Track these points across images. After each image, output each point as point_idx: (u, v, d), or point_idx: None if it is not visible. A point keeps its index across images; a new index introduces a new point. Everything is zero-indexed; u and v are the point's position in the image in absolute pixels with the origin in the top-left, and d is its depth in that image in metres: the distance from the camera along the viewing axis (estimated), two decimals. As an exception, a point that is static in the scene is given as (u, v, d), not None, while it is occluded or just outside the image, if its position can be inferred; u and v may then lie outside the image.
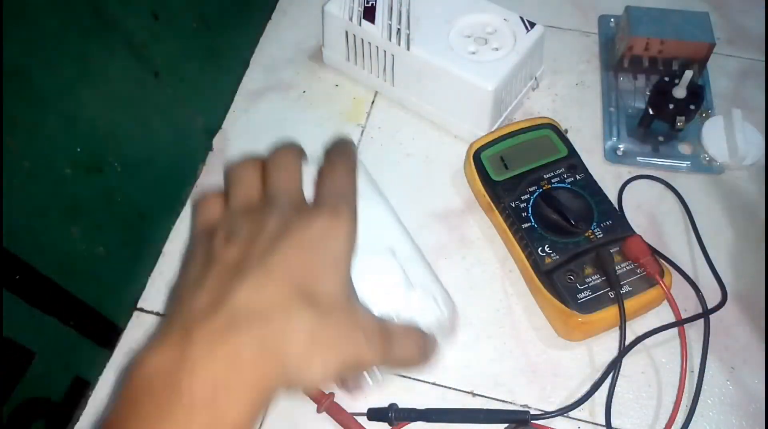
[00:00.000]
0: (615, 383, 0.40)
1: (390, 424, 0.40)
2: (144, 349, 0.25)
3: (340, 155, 0.34)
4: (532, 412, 0.40)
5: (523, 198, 0.45)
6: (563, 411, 0.40)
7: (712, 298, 0.43)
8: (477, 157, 0.47)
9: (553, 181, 0.46)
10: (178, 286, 0.30)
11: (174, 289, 0.40)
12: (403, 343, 0.30)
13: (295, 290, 0.27)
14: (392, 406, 0.40)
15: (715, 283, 0.44)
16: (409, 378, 0.42)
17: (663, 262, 0.43)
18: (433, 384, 0.42)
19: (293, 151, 0.34)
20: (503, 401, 0.42)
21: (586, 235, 0.43)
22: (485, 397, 0.42)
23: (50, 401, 0.40)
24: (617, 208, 0.47)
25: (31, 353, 0.37)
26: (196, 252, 0.30)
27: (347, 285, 0.29)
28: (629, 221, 0.45)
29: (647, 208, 0.49)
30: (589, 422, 0.41)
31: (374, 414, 0.40)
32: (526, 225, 0.44)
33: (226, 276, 0.27)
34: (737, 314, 0.44)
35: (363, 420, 0.40)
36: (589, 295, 0.41)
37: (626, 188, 0.49)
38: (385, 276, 0.39)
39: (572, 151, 0.47)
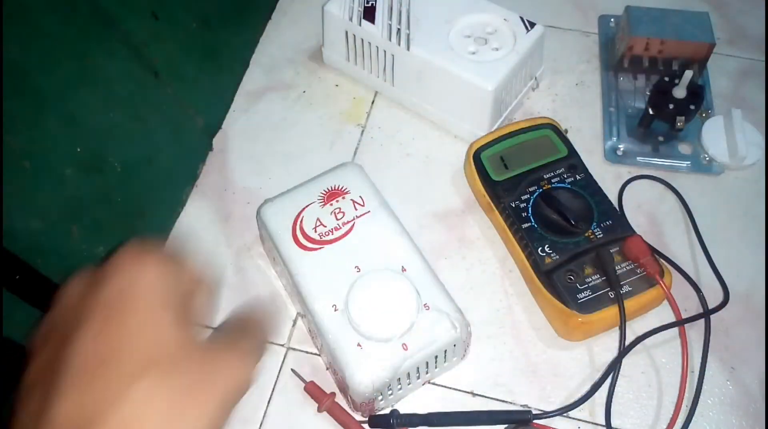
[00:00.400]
0: (615, 383, 0.40)
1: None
2: None
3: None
4: (533, 412, 0.40)
5: (523, 198, 0.45)
6: (563, 411, 0.40)
7: (712, 298, 0.43)
8: (477, 157, 0.47)
9: (553, 181, 0.46)
10: None
11: None
12: (247, 339, 0.27)
13: (124, 372, 0.23)
14: (394, 412, 0.40)
15: (715, 283, 0.44)
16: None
17: (663, 262, 0.43)
18: (433, 384, 0.42)
19: None
20: (503, 401, 0.42)
21: (586, 235, 0.43)
22: (485, 397, 0.42)
23: (50, 401, 0.39)
24: (617, 208, 0.47)
25: (31, 353, 0.37)
26: None
27: (176, 331, 0.24)
28: (629, 221, 0.45)
29: (647, 208, 0.49)
30: (589, 422, 0.41)
31: (376, 420, 0.40)
32: (526, 225, 0.44)
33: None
34: (737, 314, 0.44)
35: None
36: (589, 295, 0.41)
37: (626, 188, 0.49)
38: (397, 294, 0.39)
39: (572, 151, 0.47)
